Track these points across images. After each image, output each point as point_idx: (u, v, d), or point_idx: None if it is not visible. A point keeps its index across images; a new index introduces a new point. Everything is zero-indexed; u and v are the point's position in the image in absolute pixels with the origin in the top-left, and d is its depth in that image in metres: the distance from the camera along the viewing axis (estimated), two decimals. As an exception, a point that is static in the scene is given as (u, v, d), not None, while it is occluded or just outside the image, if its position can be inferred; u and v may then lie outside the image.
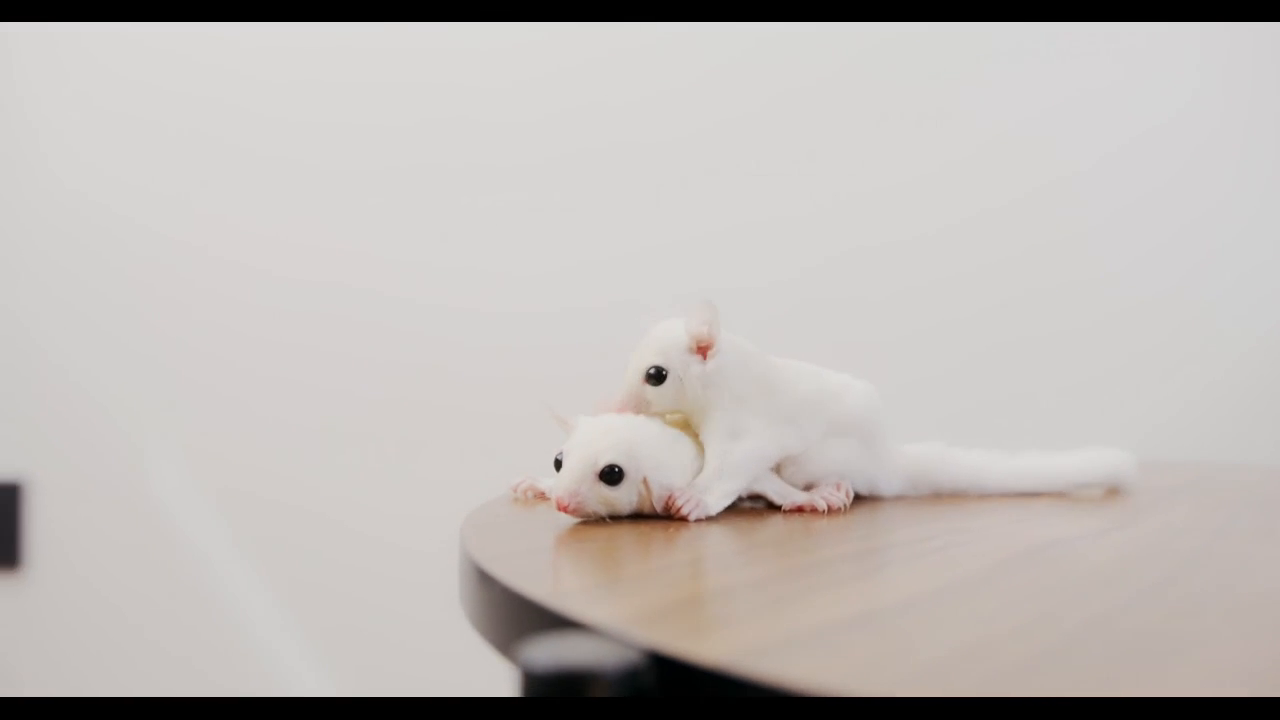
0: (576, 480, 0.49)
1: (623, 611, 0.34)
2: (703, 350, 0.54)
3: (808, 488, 0.57)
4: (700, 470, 0.53)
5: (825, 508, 0.55)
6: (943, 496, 0.62)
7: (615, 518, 0.51)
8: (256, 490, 1.22)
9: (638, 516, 0.51)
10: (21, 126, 1.23)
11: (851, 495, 0.57)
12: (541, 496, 0.58)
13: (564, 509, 0.49)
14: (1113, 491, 0.66)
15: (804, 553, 0.46)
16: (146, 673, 1.21)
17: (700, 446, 0.54)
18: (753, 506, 0.56)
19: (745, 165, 1.21)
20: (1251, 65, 1.17)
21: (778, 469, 0.56)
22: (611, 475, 0.50)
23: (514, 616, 0.36)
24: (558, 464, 0.51)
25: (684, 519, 0.51)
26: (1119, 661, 0.30)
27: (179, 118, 1.23)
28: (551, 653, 0.30)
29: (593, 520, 0.51)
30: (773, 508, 0.56)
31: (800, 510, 0.55)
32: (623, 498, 0.50)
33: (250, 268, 1.23)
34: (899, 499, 0.61)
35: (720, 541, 0.48)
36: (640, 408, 0.54)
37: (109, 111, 1.23)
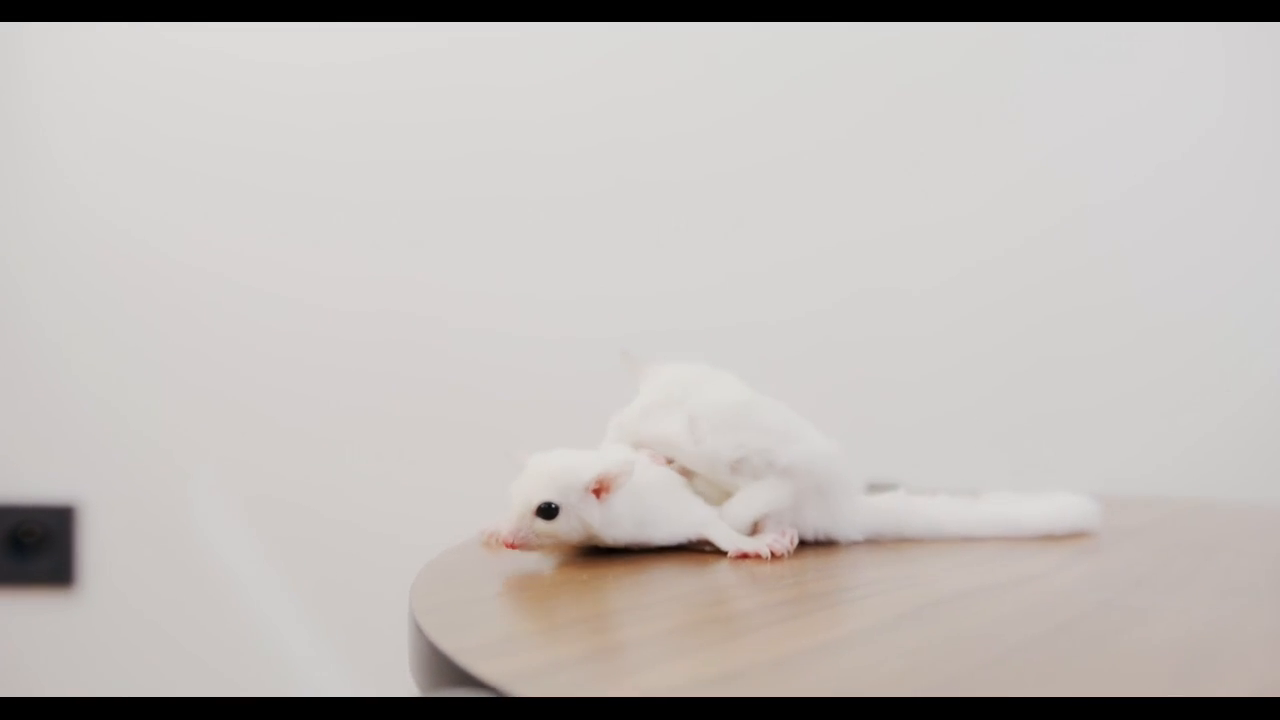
0: (517, 520, 0.55)
1: (523, 665, 0.38)
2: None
3: (754, 530, 0.61)
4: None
5: (769, 555, 0.58)
6: (906, 541, 0.65)
7: (619, 550, 0.57)
8: (295, 506, 1.28)
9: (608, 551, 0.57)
10: (46, 157, 1.28)
11: (796, 540, 0.61)
12: (510, 545, 0.62)
13: (512, 547, 0.55)
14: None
15: (724, 603, 0.50)
16: (192, 685, 1.27)
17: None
18: (700, 552, 0.60)
19: (766, 205, 1.24)
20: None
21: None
22: (548, 511, 0.55)
23: (433, 668, 0.41)
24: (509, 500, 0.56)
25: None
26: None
27: (209, 140, 1.28)
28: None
29: (554, 550, 0.56)
30: (719, 553, 0.59)
31: (745, 556, 0.59)
32: (562, 529, 0.56)
33: (283, 297, 1.28)
34: (851, 545, 0.64)
35: (649, 590, 0.52)
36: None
37: (136, 141, 1.28)
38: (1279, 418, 1.16)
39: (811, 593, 0.52)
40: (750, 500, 0.61)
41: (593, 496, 0.56)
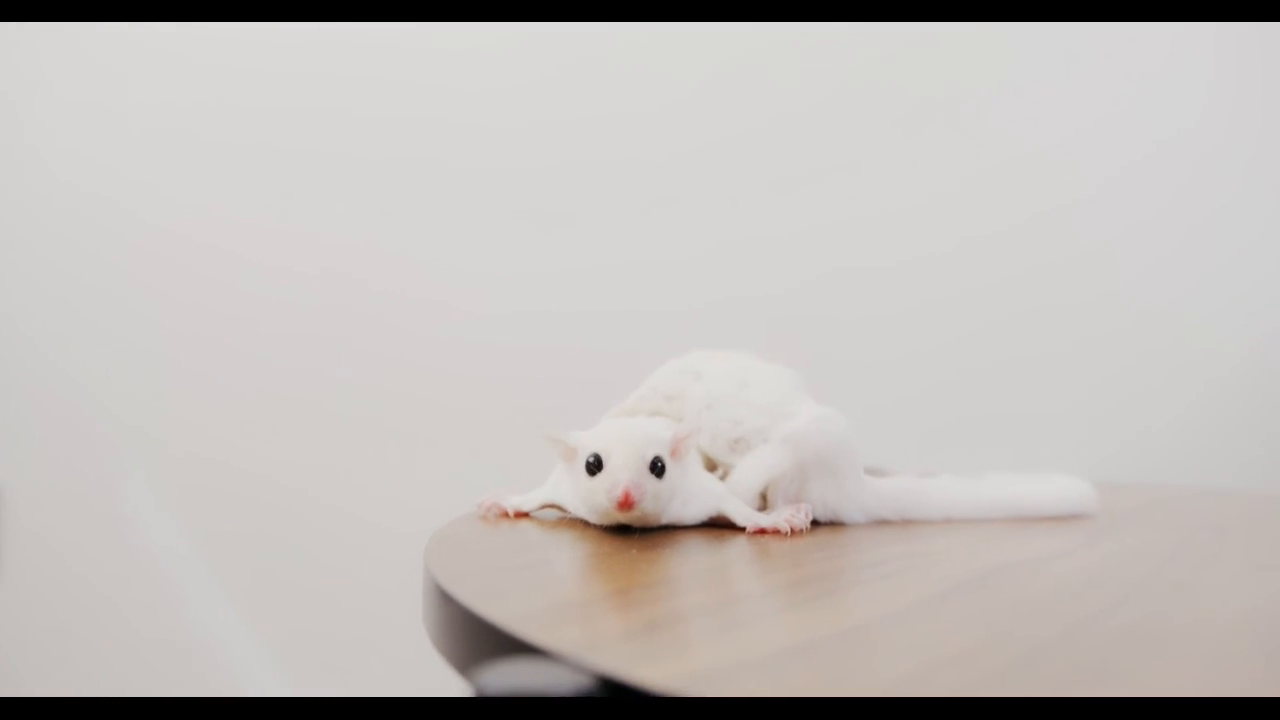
0: (636, 472, 0.52)
1: (577, 636, 0.35)
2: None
3: (763, 508, 0.58)
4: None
5: (788, 530, 0.56)
6: (912, 523, 0.63)
7: (637, 529, 0.54)
8: (227, 492, 1.22)
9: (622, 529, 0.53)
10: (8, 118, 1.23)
11: (810, 516, 0.58)
12: (505, 515, 0.59)
13: (630, 504, 0.51)
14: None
15: (760, 577, 0.47)
16: (120, 680, 1.20)
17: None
18: (715, 528, 0.57)
19: (748, 178, 1.22)
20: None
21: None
22: (659, 468, 0.53)
23: (472, 638, 0.37)
24: (592, 466, 0.53)
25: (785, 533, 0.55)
26: (1049, 692, 0.31)
27: (171, 115, 1.22)
28: (506, 678, 0.31)
29: (565, 528, 0.52)
30: (735, 529, 0.57)
31: (763, 532, 0.56)
32: (664, 493, 0.53)
33: (219, 279, 1.22)
34: (858, 525, 0.62)
35: (680, 564, 0.49)
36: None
37: (89, 101, 1.22)
38: (1243, 409, 1.17)
39: (849, 565, 0.49)
40: (754, 468, 0.59)
41: (671, 460, 0.54)
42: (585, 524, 0.56)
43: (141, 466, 1.22)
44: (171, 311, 1.22)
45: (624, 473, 0.52)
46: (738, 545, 0.53)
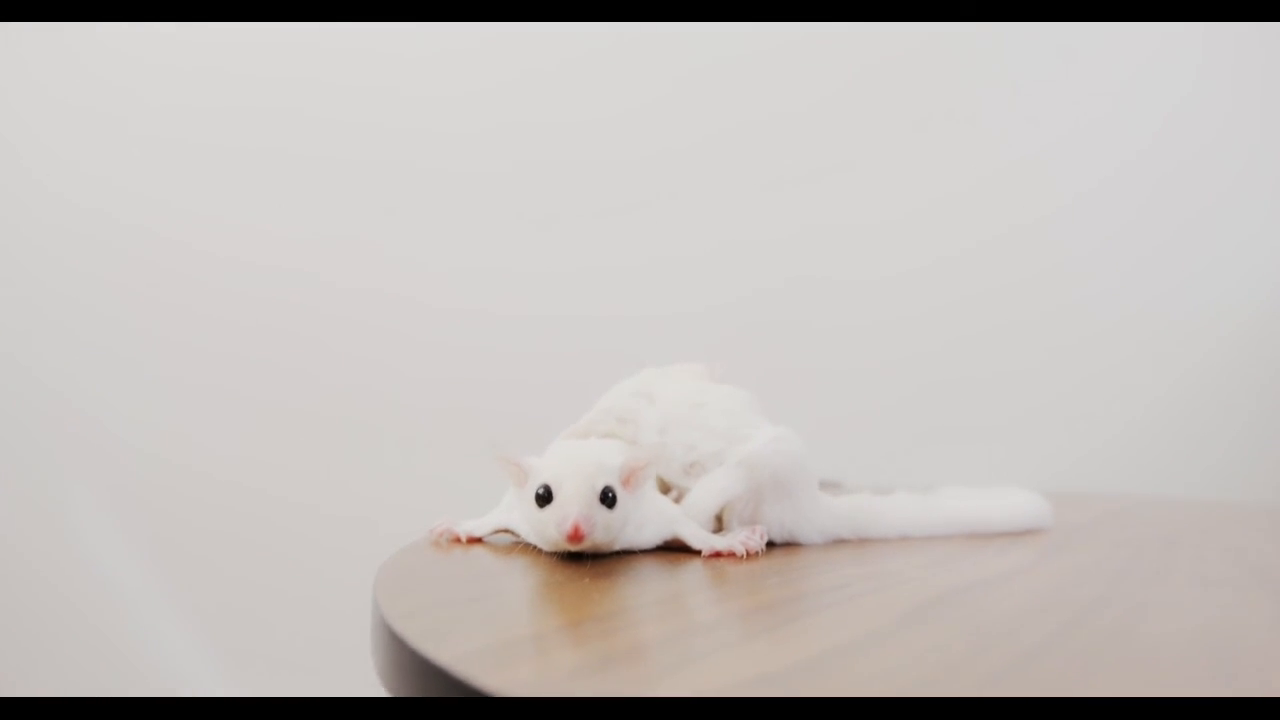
0: (586, 504, 0.51)
1: (529, 674, 0.34)
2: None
3: (718, 530, 0.58)
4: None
5: (744, 552, 0.56)
6: (868, 541, 0.63)
7: (591, 556, 0.52)
8: (175, 505, 1.18)
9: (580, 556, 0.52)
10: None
11: (766, 538, 0.58)
12: (458, 540, 0.58)
13: (579, 537, 0.50)
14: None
15: (717, 604, 0.47)
16: (81, 681, 1.17)
17: None
18: (670, 551, 0.56)
19: (730, 182, 1.21)
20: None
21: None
22: (609, 498, 0.51)
23: (420, 679, 0.36)
24: (542, 498, 0.51)
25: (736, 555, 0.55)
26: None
27: (148, 117, 1.19)
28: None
29: (518, 555, 0.51)
30: (690, 552, 0.56)
31: (719, 555, 0.55)
32: (615, 523, 0.52)
33: (201, 282, 1.19)
34: (814, 546, 0.61)
35: (634, 593, 0.48)
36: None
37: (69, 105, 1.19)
38: (1194, 416, 1.19)
39: (805, 591, 0.49)
40: (709, 491, 0.59)
41: (623, 488, 0.53)
42: (538, 550, 0.55)
43: (109, 471, 1.18)
44: (149, 315, 1.19)
45: (573, 505, 0.50)
46: (693, 570, 0.52)
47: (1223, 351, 1.20)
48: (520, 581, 0.50)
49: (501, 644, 0.38)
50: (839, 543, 0.62)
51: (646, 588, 0.49)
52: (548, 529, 0.51)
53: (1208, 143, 1.20)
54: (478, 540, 0.58)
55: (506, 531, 0.58)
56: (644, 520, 0.54)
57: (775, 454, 0.60)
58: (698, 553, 0.56)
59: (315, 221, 1.20)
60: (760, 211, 1.21)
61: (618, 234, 1.21)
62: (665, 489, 0.60)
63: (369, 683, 0.43)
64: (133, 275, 1.18)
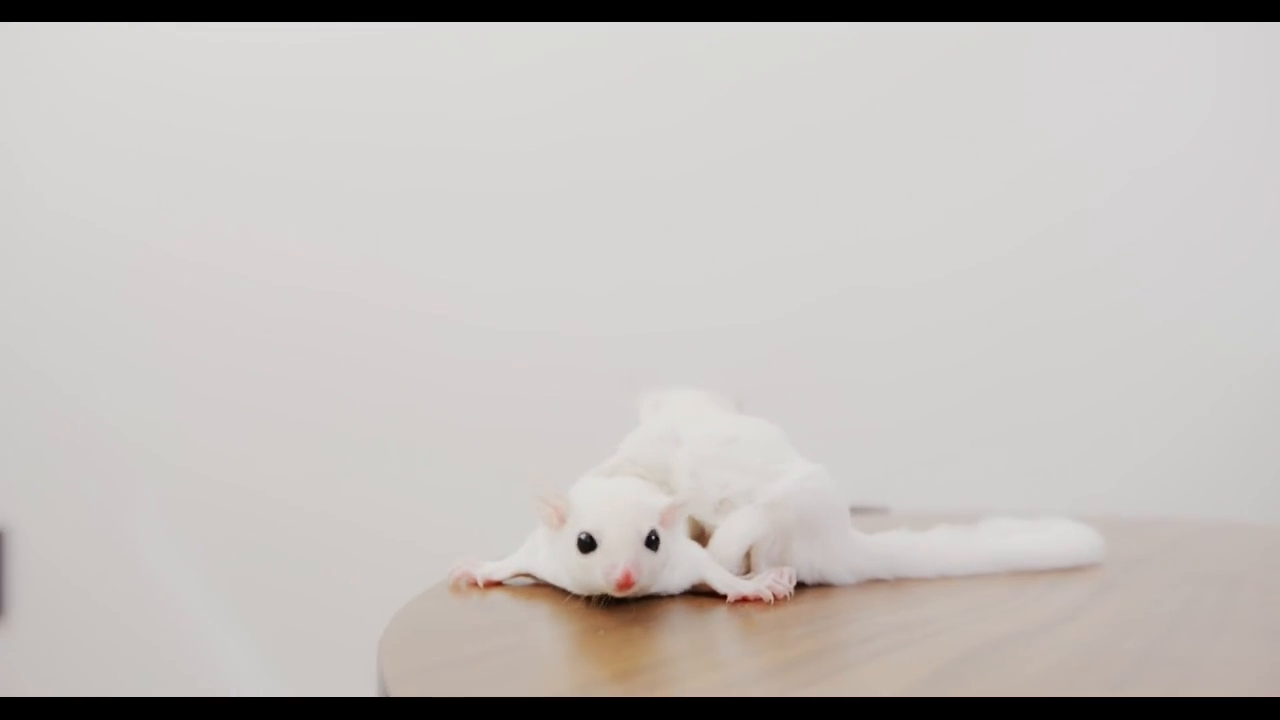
0: (634, 550, 0.49)
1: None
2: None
3: (746, 572, 0.56)
4: None
5: (771, 597, 0.53)
6: (905, 580, 0.60)
7: (619, 601, 0.50)
8: (234, 526, 1.21)
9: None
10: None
11: (794, 580, 0.55)
12: (475, 585, 0.56)
13: (629, 585, 0.48)
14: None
15: (750, 656, 0.44)
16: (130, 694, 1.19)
17: None
18: (696, 596, 0.54)
19: (754, 199, 1.21)
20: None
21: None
22: (654, 542, 0.50)
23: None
24: (585, 544, 0.49)
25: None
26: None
27: (165, 138, 1.21)
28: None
29: (541, 600, 0.49)
30: (717, 596, 0.54)
31: (745, 600, 0.53)
32: (657, 566, 0.50)
33: (221, 300, 1.22)
34: (847, 586, 0.59)
35: (658, 645, 0.46)
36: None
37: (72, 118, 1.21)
38: (1256, 428, 1.13)
39: (830, 645, 0.46)
40: (731, 534, 0.57)
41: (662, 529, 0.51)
42: (558, 592, 0.54)
43: (146, 487, 1.21)
44: (173, 332, 1.22)
45: (622, 553, 0.49)
46: (719, 620, 0.50)
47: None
48: (547, 631, 0.48)
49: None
50: (874, 583, 0.59)
51: (673, 639, 0.47)
52: (592, 575, 0.49)
53: (1257, 137, 1.14)
54: (497, 584, 0.56)
55: (527, 575, 0.56)
56: (675, 562, 0.52)
57: (802, 493, 0.57)
58: (723, 597, 0.53)
59: (359, 246, 1.21)
60: (796, 225, 1.20)
61: (654, 251, 1.21)
62: (697, 528, 0.58)
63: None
64: (189, 305, 1.21)
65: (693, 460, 0.58)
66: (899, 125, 1.19)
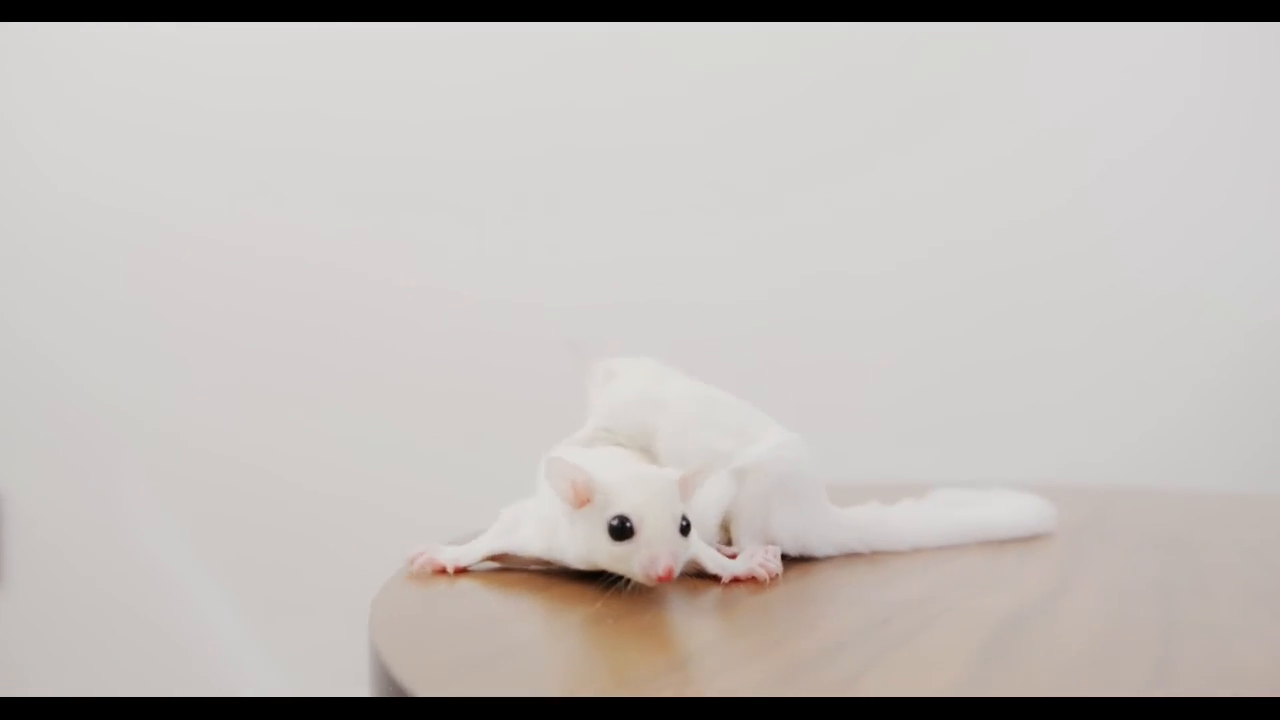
0: (674, 541, 0.45)
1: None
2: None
3: (726, 542, 0.54)
4: None
5: (765, 576, 0.51)
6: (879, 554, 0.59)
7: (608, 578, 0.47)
8: (226, 495, 1.19)
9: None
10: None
11: (779, 556, 0.53)
12: (442, 571, 0.51)
13: (670, 579, 0.44)
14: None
15: (773, 646, 0.41)
16: (124, 685, 1.17)
17: None
18: (683, 576, 0.51)
19: (739, 176, 1.18)
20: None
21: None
22: (684, 528, 0.46)
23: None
24: (620, 531, 0.45)
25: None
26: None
27: (158, 112, 1.19)
28: None
29: (518, 587, 0.45)
30: (705, 576, 0.51)
31: (738, 581, 0.50)
32: (685, 550, 0.47)
33: (218, 275, 1.20)
34: (828, 559, 0.57)
35: (679, 638, 0.42)
36: None
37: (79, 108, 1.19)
38: (1218, 409, 1.15)
39: (851, 627, 0.43)
40: (705, 504, 0.54)
41: None
42: (539, 579, 0.49)
43: (141, 464, 1.19)
44: (169, 308, 1.20)
45: (664, 545, 0.45)
46: (718, 603, 0.47)
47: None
48: (543, 628, 0.44)
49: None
50: (851, 557, 0.58)
51: (680, 624, 0.43)
52: (627, 564, 0.45)
53: (1250, 112, 1.14)
54: (464, 570, 0.52)
55: (498, 559, 0.52)
56: None
57: (779, 460, 0.55)
58: (714, 577, 0.50)
59: (354, 218, 1.19)
60: (778, 205, 1.18)
61: (633, 226, 1.18)
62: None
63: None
64: (186, 280, 1.19)
65: (680, 420, 0.55)
66: (886, 101, 1.17)
